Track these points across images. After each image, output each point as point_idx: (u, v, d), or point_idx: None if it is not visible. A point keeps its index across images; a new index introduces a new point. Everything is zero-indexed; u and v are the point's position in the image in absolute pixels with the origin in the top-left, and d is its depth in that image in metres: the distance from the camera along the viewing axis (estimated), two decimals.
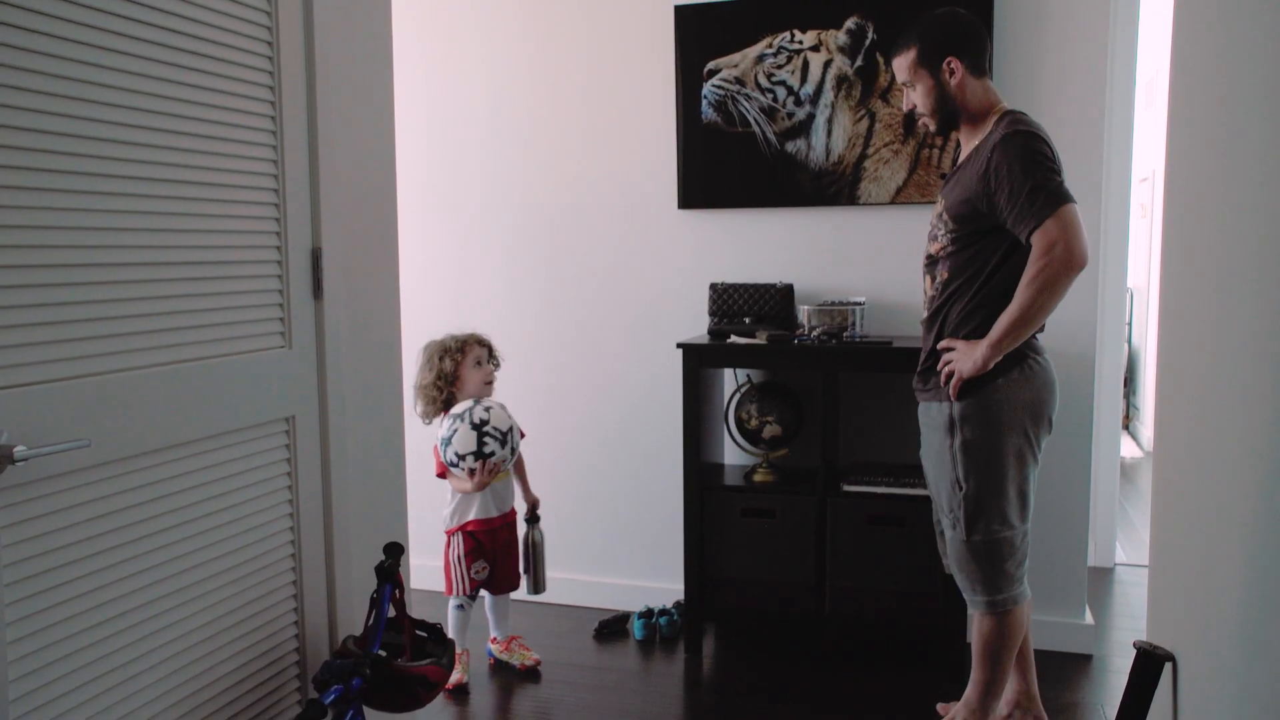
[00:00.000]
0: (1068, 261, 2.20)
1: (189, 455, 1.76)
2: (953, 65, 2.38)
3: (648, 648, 3.37)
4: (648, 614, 3.45)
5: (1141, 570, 4.16)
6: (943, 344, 2.42)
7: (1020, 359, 2.36)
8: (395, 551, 2.07)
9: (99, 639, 1.58)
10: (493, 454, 2.93)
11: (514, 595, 3.24)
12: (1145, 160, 6.40)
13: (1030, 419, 2.37)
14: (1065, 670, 3.13)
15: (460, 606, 3.10)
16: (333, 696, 1.75)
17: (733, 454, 3.49)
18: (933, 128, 2.49)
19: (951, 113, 2.43)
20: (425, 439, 3.21)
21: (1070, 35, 3.06)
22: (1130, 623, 3.58)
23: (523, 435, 3.13)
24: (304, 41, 2.03)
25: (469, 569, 3.06)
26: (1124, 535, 4.58)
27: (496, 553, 3.12)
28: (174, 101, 1.71)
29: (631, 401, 3.63)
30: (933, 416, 2.48)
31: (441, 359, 3.10)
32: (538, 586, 3.20)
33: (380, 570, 2.03)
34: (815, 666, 3.17)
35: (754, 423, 3.26)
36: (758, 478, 3.26)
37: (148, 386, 1.66)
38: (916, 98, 2.46)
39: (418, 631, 2.15)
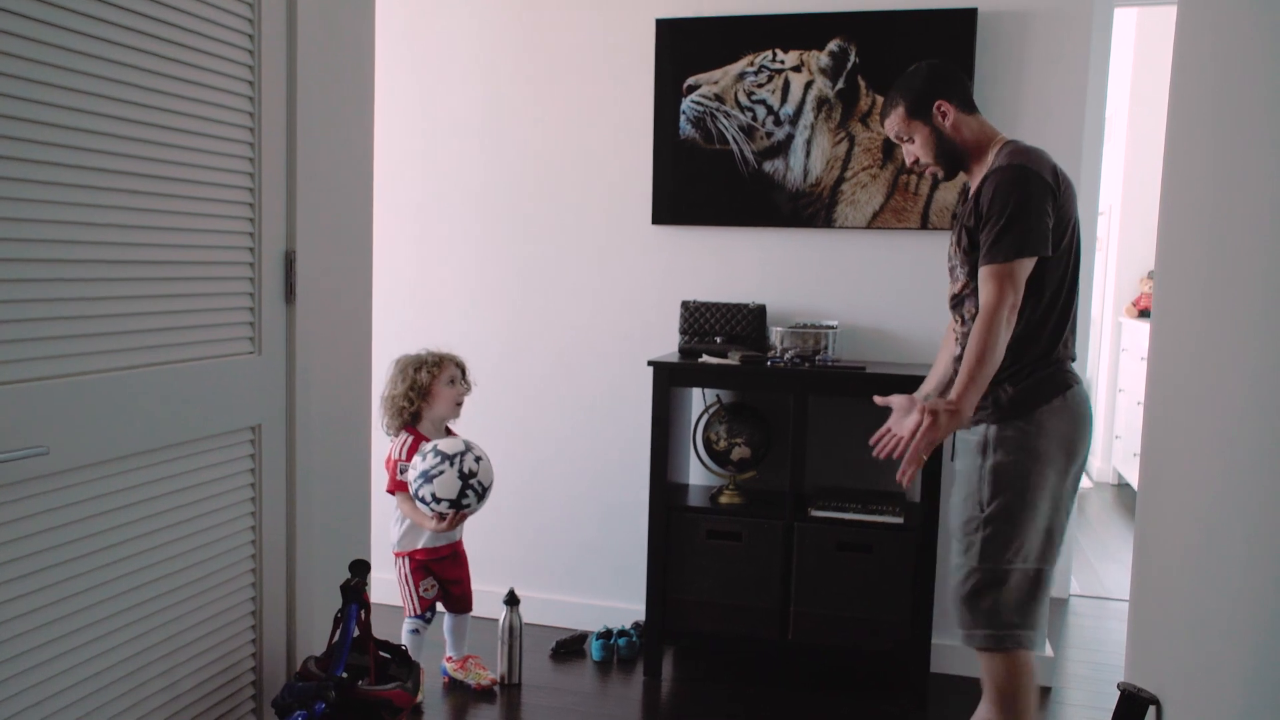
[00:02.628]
0: (1010, 316, 2.20)
1: (151, 464, 1.68)
2: (943, 108, 2.38)
3: (605, 669, 3.31)
4: (606, 634, 3.39)
5: (1095, 602, 4.20)
6: (924, 406, 2.25)
7: (1064, 387, 2.29)
8: (362, 570, 1.99)
9: (50, 657, 1.50)
10: (469, 507, 2.86)
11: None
12: (1105, 194, 6.51)
13: (1064, 453, 2.29)
14: None
15: (415, 631, 3.03)
16: None
17: (699, 475, 3.45)
18: (941, 175, 2.46)
19: (955, 154, 2.42)
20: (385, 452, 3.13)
21: (1050, 70, 3.08)
22: (1086, 654, 3.59)
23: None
24: (286, 44, 1.97)
25: (417, 587, 3.02)
26: (1076, 566, 4.62)
27: (445, 576, 3.08)
28: (149, 93, 1.63)
29: (599, 418, 3.57)
30: (968, 439, 2.40)
31: (417, 370, 3.02)
32: (513, 676, 3.15)
33: (346, 589, 1.96)
34: (777, 692, 3.13)
35: (723, 444, 3.22)
36: (724, 500, 3.22)
37: (110, 392, 1.57)
38: (917, 150, 2.44)
39: (381, 653, 2.08)
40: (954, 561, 2.39)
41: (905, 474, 2.24)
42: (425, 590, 3.03)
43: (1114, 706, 1.70)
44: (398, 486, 2.99)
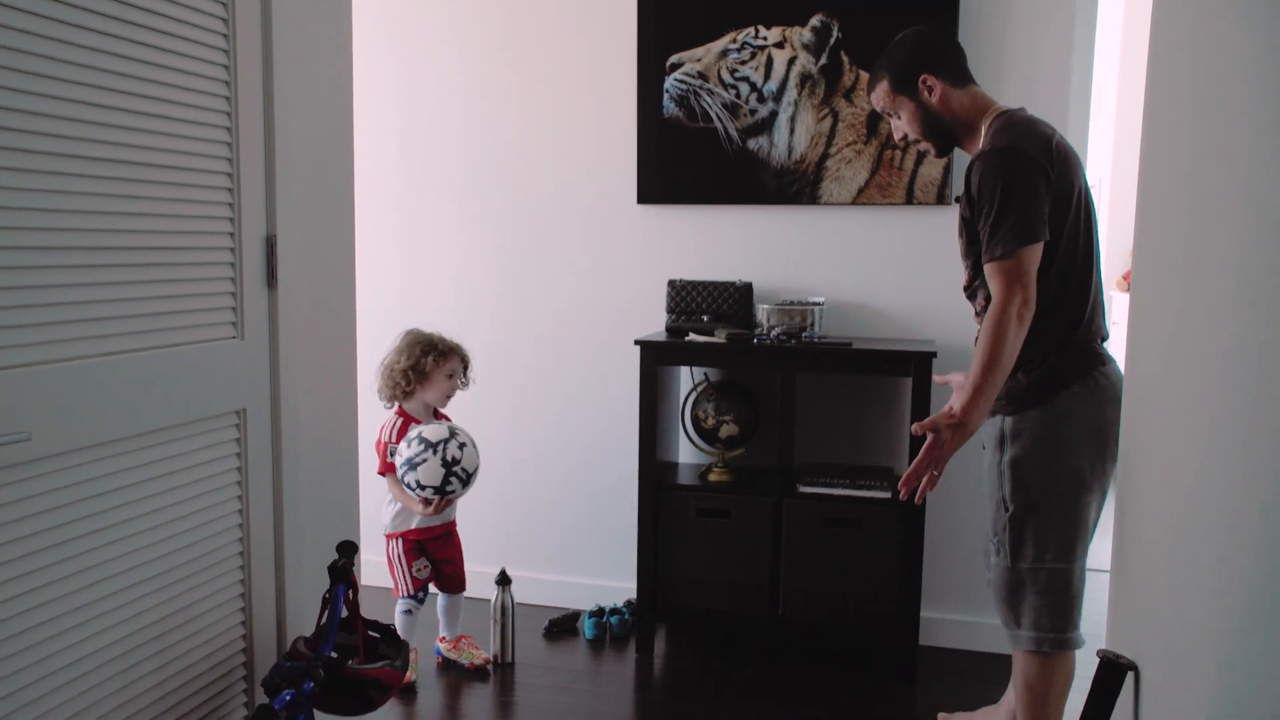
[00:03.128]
0: (1021, 313, 2.10)
1: (135, 449, 1.68)
2: (929, 82, 2.28)
3: (598, 647, 3.34)
4: (599, 613, 3.42)
5: (1089, 575, 4.21)
6: (919, 427, 2.16)
7: (1085, 371, 2.19)
8: (349, 551, 2.01)
9: (37, 640, 1.51)
10: (453, 493, 2.89)
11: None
12: (1094, 167, 6.51)
13: (1094, 440, 2.17)
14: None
15: (408, 611, 3.06)
16: (284, 701, 1.69)
17: (688, 453, 3.47)
18: (933, 152, 2.38)
19: (944, 130, 2.32)
20: (374, 433, 3.13)
21: (1034, 44, 3.07)
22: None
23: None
24: (261, 26, 1.95)
25: (410, 568, 3.03)
26: None
27: (438, 556, 3.09)
28: (126, 79, 1.62)
29: (587, 398, 3.58)
30: (986, 430, 2.30)
31: (424, 354, 3.02)
32: (505, 655, 3.18)
33: (333, 570, 1.97)
34: (767, 668, 3.16)
35: (711, 422, 3.23)
36: (713, 477, 3.24)
37: (93, 377, 1.58)
38: (904, 125, 2.35)
39: (370, 633, 2.09)
40: (992, 559, 2.31)
41: (909, 489, 2.13)
42: (418, 571, 3.04)
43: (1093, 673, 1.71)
44: (388, 468, 3.01)
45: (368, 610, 2.16)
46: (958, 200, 2.32)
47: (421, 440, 2.86)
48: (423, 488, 2.85)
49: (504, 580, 3.16)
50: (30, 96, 1.46)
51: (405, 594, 3.04)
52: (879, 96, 2.37)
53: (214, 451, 1.89)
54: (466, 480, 2.89)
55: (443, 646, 3.20)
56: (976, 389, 2.11)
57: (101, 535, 1.62)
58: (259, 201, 1.97)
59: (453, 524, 3.15)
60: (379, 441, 3.05)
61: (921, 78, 2.29)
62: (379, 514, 3.07)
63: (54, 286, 1.52)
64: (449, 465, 2.84)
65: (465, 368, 3.13)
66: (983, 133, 2.28)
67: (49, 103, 1.49)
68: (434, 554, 3.09)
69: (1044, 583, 2.22)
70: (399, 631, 2.97)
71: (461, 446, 2.87)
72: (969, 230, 2.25)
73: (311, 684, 1.74)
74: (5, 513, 1.44)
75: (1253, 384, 1.13)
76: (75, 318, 1.56)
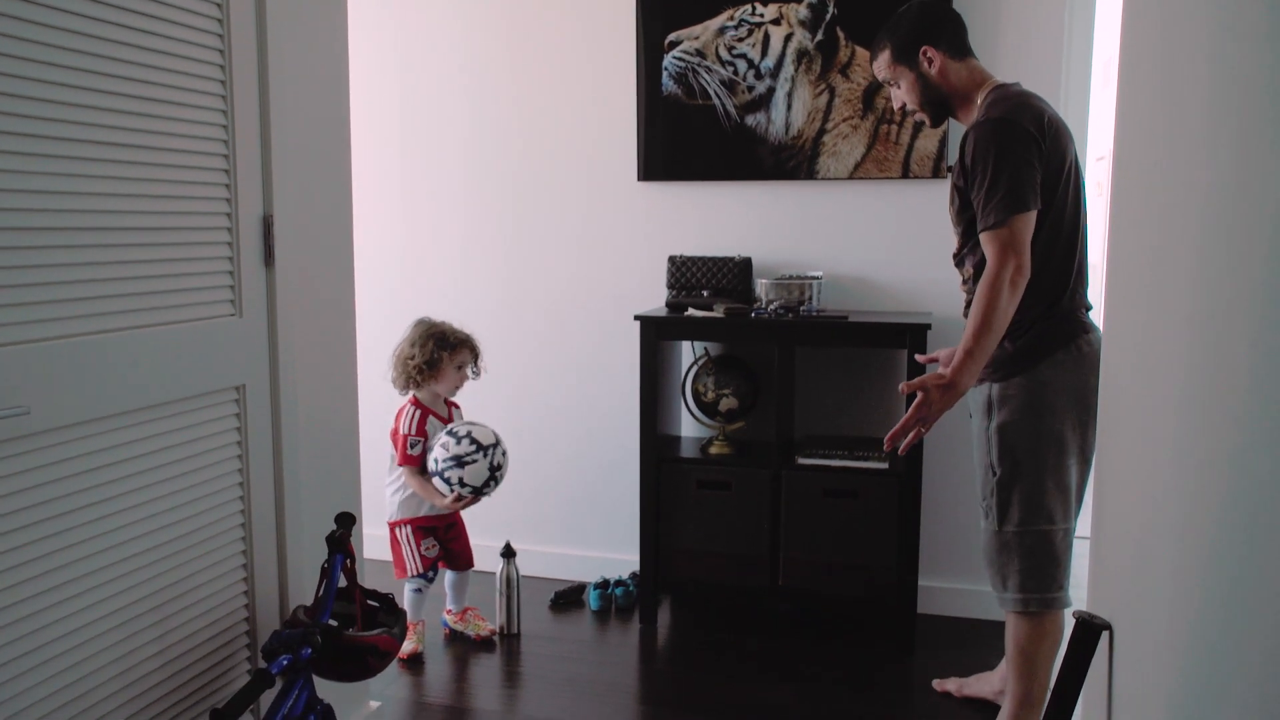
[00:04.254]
0: (1014, 280, 2.14)
1: (135, 424, 1.74)
2: (929, 54, 2.33)
3: (603, 618, 3.39)
4: (603, 585, 3.47)
5: (1083, 542, 4.23)
6: (907, 386, 2.22)
7: (1068, 339, 2.24)
8: (347, 521, 2.06)
9: (42, 608, 1.57)
10: (486, 495, 3.00)
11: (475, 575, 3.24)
12: (1102, 139, 6.46)
13: (1077, 406, 2.23)
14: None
15: (418, 590, 3.12)
16: (281, 666, 1.75)
17: (689, 426, 3.51)
18: (929, 121, 2.43)
19: (940, 102, 2.37)
20: (379, 407, 3.19)
21: (1026, 12, 3.07)
22: (1075, 593, 3.64)
23: None
24: (255, 6, 1.99)
25: (419, 546, 3.08)
26: None
27: (445, 536, 3.15)
28: (120, 63, 1.67)
29: (589, 373, 3.63)
30: (974, 398, 2.36)
31: (438, 346, 3.06)
32: (511, 626, 3.23)
33: (331, 540, 2.02)
34: (769, 637, 3.21)
35: (711, 395, 3.27)
36: (714, 450, 3.28)
37: (90, 354, 1.63)
38: (903, 95, 2.39)
39: (369, 601, 2.15)
40: (981, 524, 2.37)
41: (893, 442, 2.19)
42: (427, 550, 3.10)
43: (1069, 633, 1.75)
44: (408, 461, 3.04)
45: (368, 582, 2.22)
46: (950, 170, 2.38)
47: (473, 441, 2.94)
48: (464, 485, 2.94)
49: (509, 553, 3.22)
50: (24, 81, 1.50)
51: (415, 572, 3.08)
52: (880, 65, 2.42)
53: (214, 426, 1.94)
54: (498, 485, 3.01)
55: (449, 618, 3.26)
56: (967, 352, 2.16)
57: (101, 508, 1.67)
58: (255, 182, 2.01)
59: (457, 514, 3.21)
60: (397, 433, 3.08)
61: (922, 49, 2.34)
62: (379, 495, 3.12)
63: (53, 265, 1.57)
64: (494, 470, 2.96)
65: (476, 359, 3.18)
66: (978, 105, 2.33)
67: (44, 87, 1.53)
68: (441, 535, 3.15)
69: (1029, 545, 2.27)
70: (408, 610, 3.05)
71: (504, 454, 3.00)
72: (961, 198, 2.30)
73: (309, 650, 1.79)
74: (3, 485, 1.49)
75: (1210, 364, 1.17)
76: (74, 296, 1.61)
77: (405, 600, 3.09)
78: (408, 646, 3.05)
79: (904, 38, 2.35)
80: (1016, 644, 2.35)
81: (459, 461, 2.92)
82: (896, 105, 2.45)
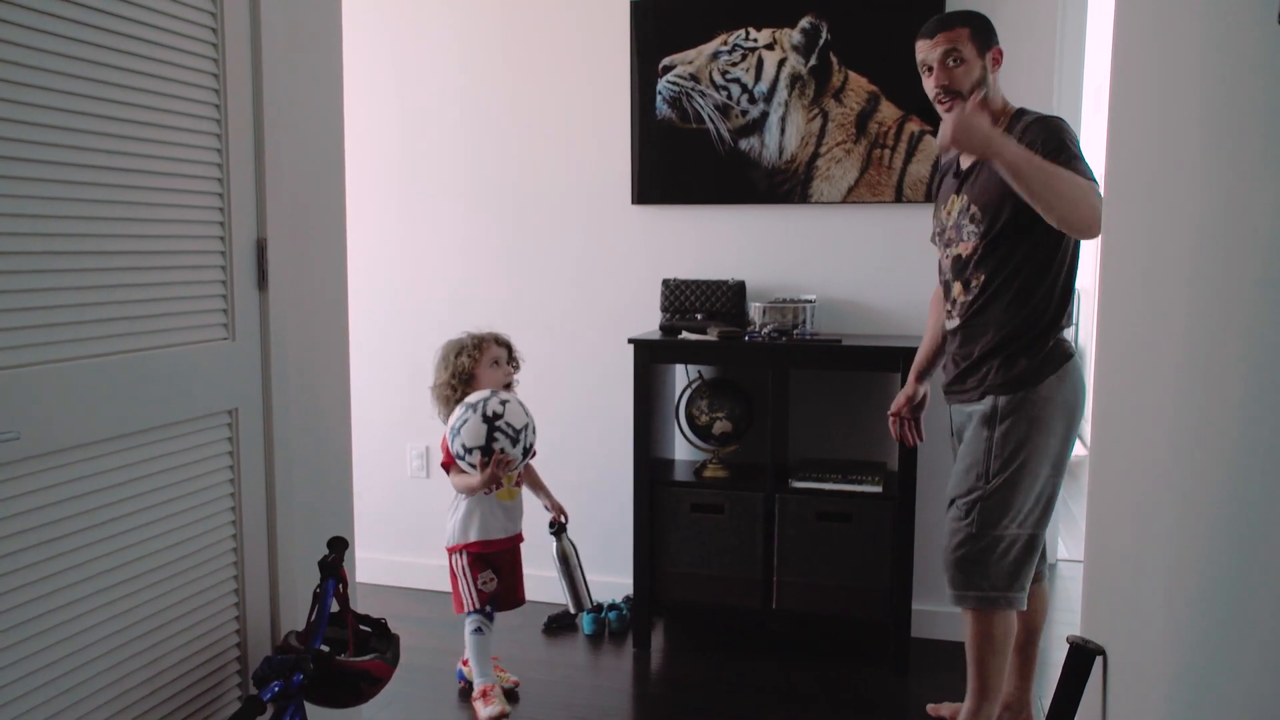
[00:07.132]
0: (1095, 220, 2.09)
1: (127, 448, 1.73)
2: (996, 55, 2.40)
3: (596, 642, 3.38)
4: (597, 608, 3.46)
5: (1078, 566, 4.24)
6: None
7: (1067, 355, 2.38)
8: (339, 546, 2.05)
9: (33, 634, 1.55)
10: (503, 450, 2.69)
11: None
12: (1094, 164, 6.50)
13: (1064, 423, 2.37)
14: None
15: (478, 630, 2.89)
16: (272, 692, 1.74)
17: (683, 449, 3.51)
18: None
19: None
20: (375, 432, 3.18)
21: (1018, 35, 3.10)
22: (1070, 617, 3.64)
23: (534, 453, 2.90)
24: (250, 27, 2.00)
25: (475, 580, 2.87)
26: (1067, 531, 4.66)
27: (498, 561, 2.94)
28: (114, 87, 1.67)
29: (583, 396, 3.63)
30: (972, 412, 2.44)
31: (458, 356, 2.91)
32: (580, 603, 2.98)
33: (323, 565, 2.01)
34: (762, 660, 3.19)
35: (705, 419, 3.27)
36: (708, 473, 3.28)
37: (82, 378, 1.63)
38: (958, 73, 2.35)
39: (361, 626, 2.14)
40: (950, 525, 2.45)
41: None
42: (484, 584, 2.89)
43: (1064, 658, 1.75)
44: (449, 459, 2.85)
45: (360, 607, 2.21)
46: (957, 175, 2.48)
47: (463, 405, 2.75)
48: (469, 451, 2.70)
49: (559, 528, 2.98)
50: (18, 106, 1.50)
51: (471, 607, 2.87)
52: (950, 38, 2.35)
53: (207, 450, 1.93)
54: (515, 437, 2.71)
55: (466, 670, 3.02)
56: (1016, 152, 2.15)
57: (92, 533, 1.66)
58: (249, 205, 2.02)
59: (519, 537, 3.00)
60: (445, 435, 2.86)
61: (995, 47, 2.42)
62: (443, 524, 2.96)
63: (45, 289, 1.57)
64: (491, 420, 2.68)
65: (510, 350, 3.00)
66: (1005, 122, 2.38)
67: (38, 112, 1.53)
68: (495, 561, 2.92)
69: (1009, 547, 2.39)
70: (470, 654, 2.87)
71: (503, 403, 2.72)
72: (998, 197, 2.30)
73: (301, 676, 1.78)
74: None
75: (1201, 391, 1.18)
76: (65, 320, 1.60)
77: (466, 644, 2.91)
78: (491, 711, 2.82)
79: (984, 28, 2.40)
80: (976, 643, 2.46)
81: (455, 431, 2.71)
82: (935, 86, 2.39)
